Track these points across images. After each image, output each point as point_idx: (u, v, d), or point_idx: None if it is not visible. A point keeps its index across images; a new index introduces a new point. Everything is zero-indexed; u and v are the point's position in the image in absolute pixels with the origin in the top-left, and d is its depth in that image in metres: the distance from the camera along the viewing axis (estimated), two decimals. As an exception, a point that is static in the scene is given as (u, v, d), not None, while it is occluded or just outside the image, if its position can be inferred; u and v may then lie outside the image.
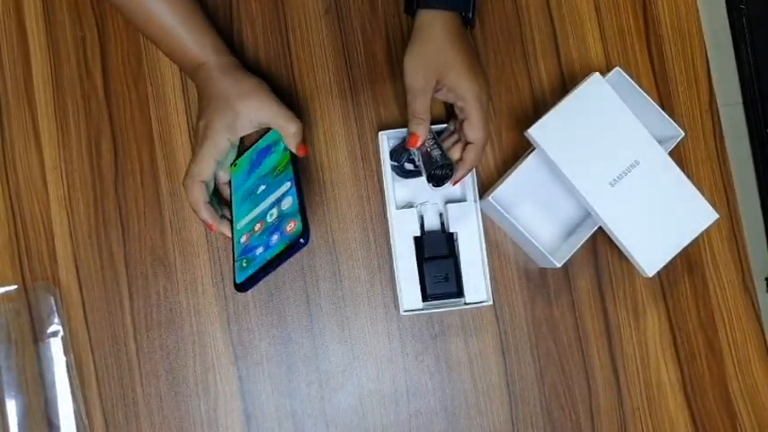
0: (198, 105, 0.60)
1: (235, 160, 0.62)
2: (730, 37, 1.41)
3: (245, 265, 0.51)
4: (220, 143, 0.57)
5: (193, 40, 0.58)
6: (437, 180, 0.58)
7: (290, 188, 0.53)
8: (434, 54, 0.56)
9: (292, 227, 0.50)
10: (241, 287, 0.50)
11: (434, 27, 0.56)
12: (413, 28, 0.57)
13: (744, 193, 1.37)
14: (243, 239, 0.54)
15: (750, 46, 1.39)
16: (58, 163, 0.64)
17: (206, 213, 0.57)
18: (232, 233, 0.56)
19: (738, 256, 0.66)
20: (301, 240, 0.48)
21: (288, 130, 0.57)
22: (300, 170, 0.59)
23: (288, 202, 0.52)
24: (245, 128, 0.58)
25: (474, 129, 0.56)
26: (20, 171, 0.64)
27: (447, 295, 0.61)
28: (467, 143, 0.57)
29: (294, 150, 0.57)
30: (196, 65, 0.58)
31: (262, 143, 0.62)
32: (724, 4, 1.41)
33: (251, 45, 0.66)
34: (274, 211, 0.53)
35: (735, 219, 0.66)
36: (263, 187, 0.57)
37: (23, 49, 0.65)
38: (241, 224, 0.56)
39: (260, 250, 0.51)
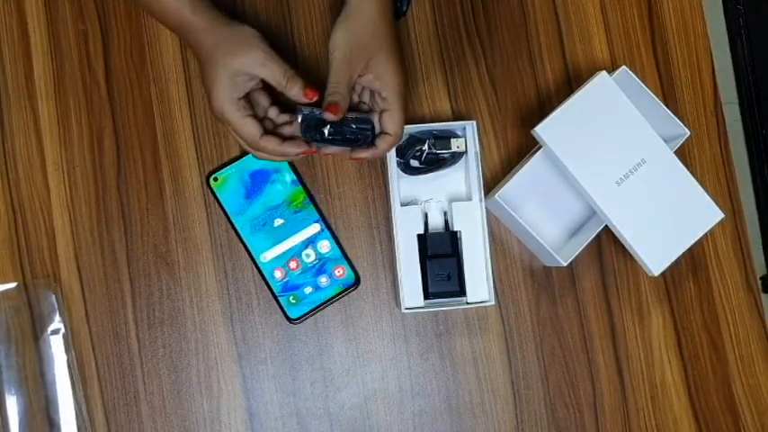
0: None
1: (216, 174, 0.62)
2: (727, 37, 1.41)
3: (292, 301, 0.61)
4: (234, 95, 0.54)
5: (192, 4, 0.55)
6: (360, 137, 0.56)
7: (323, 231, 0.62)
8: (370, 37, 0.54)
9: (341, 273, 0.62)
10: (295, 321, 0.62)
11: (371, 7, 0.54)
12: (344, 2, 0.55)
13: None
14: (277, 275, 0.62)
15: (747, 46, 1.40)
16: (60, 159, 0.64)
17: (287, 147, 0.55)
18: (255, 263, 0.62)
19: (742, 255, 0.66)
20: (353, 286, 0.62)
21: (292, 90, 0.54)
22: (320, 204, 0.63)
23: (325, 246, 0.62)
24: (245, 84, 0.55)
25: (394, 122, 0.55)
26: (20, 167, 0.63)
27: (449, 294, 0.61)
28: (381, 133, 0.56)
29: (303, 99, 0.55)
30: (181, 26, 0.56)
31: (253, 164, 0.63)
32: (721, 5, 1.42)
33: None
34: (311, 252, 0.62)
35: (738, 218, 0.66)
36: (280, 221, 0.61)
37: (24, 43, 0.65)
38: (265, 257, 0.62)
39: (309, 290, 0.62)
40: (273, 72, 0.54)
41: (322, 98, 0.54)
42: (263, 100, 0.57)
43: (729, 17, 1.42)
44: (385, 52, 0.55)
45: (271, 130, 0.57)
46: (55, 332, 0.61)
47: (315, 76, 0.66)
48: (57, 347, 0.61)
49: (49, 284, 0.62)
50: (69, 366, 0.61)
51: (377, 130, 0.57)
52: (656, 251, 0.58)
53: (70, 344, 0.61)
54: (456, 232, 0.62)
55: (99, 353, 0.62)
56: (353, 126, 0.55)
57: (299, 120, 0.55)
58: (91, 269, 0.63)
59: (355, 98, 0.58)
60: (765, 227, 1.37)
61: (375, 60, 0.55)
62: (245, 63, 0.54)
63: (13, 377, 0.61)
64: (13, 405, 0.60)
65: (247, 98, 0.56)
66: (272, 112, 0.57)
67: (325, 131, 0.54)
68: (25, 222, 0.63)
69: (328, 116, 0.54)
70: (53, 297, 0.62)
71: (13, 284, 0.62)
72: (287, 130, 0.57)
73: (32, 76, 0.64)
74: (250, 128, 0.54)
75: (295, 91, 0.55)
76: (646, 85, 0.62)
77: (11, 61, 0.64)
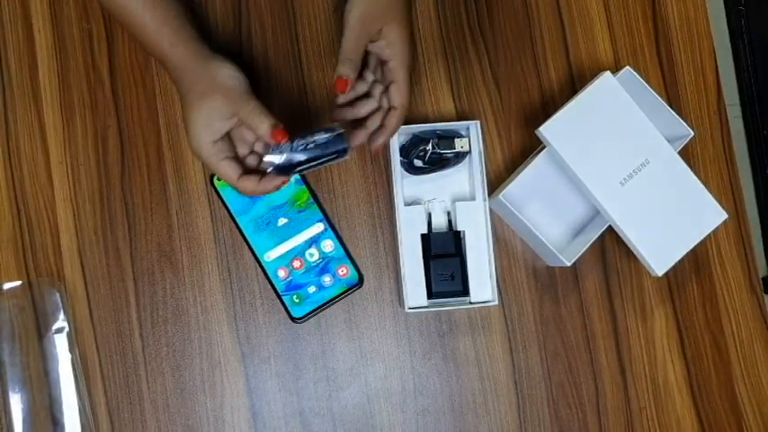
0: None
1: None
2: (728, 38, 1.41)
3: (296, 300, 0.61)
4: (209, 139, 0.53)
5: (155, 28, 0.53)
6: (336, 152, 0.54)
7: (326, 230, 0.62)
8: (386, 4, 0.54)
9: (345, 272, 0.62)
10: (298, 320, 0.61)
11: None
12: None
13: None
14: (281, 274, 0.61)
15: (748, 47, 1.40)
16: (64, 158, 0.64)
17: (265, 184, 0.53)
18: (259, 262, 0.62)
19: (745, 256, 0.66)
20: (357, 286, 0.62)
21: (258, 130, 0.52)
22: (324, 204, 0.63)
23: (329, 245, 0.62)
24: (220, 125, 0.53)
25: (401, 93, 0.55)
26: (25, 166, 0.63)
27: (452, 294, 0.61)
28: (390, 108, 0.56)
29: (270, 140, 0.53)
30: (162, 60, 0.55)
31: None
32: (723, 6, 1.42)
33: (259, 41, 0.66)
34: (314, 252, 0.62)
35: (741, 219, 0.66)
36: (283, 220, 0.61)
37: (29, 42, 0.65)
38: (269, 256, 0.62)
39: (312, 289, 0.61)
40: (243, 113, 0.53)
41: (291, 138, 0.53)
42: (247, 135, 0.55)
43: (731, 18, 1.42)
44: (399, 21, 0.55)
45: (255, 166, 0.55)
46: (59, 331, 0.61)
47: (320, 79, 0.66)
48: (61, 346, 0.61)
49: (53, 283, 0.62)
50: (73, 365, 0.61)
51: (385, 104, 0.56)
52: (659, 251, 0.58)
53: (74, 342, 0.61)
54: (459, 232, 0.62)
55: (103, 351, 0.62)
56: (316, 143, 0.53)
57: (267, 171, 0.54)
58: (95, 268, 0.63)
59: (369, 77, 0.57)
60: (766, 228, 1.37)
61: (388, 28, 0.54)
62: (216, 107, 0.53)
63: (17, 375, 0.61)
64: (17, 403, 0.60)
65: (226, 138, 0.54)
66: (259, 146, 0.55)
67: (297, 167, 0.54)
68: (29, 221, 0.63)
69: (338, 90, 0.53)
70: (57, 295, 0.62)
71: (18, 283, 0.62)
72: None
73: (37, 75, 0.64)
74: (227, 170, 0.54)
75: (263, 130, 0.52)
76: (649, 86, 0.62)
77: (16, 60, 0.65)
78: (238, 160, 0.55)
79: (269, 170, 0.54)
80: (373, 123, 0.56)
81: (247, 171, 0.54)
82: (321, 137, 0.53)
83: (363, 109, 0.56)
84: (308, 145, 0.53)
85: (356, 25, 0.53)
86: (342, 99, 0.56)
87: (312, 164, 0.53)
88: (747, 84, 1.40)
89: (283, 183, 0.54)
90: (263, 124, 0.52)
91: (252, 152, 0.56)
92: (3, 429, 0.60)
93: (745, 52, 1.40)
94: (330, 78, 0.66)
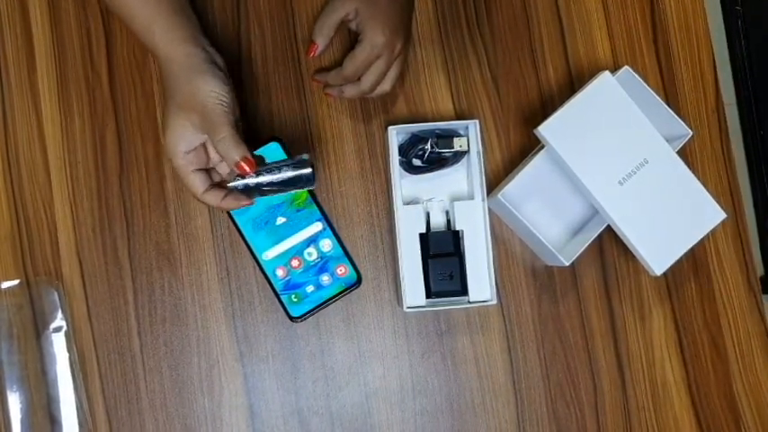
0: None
1: None
2: (725, 38, 1.41)
3: (294, 299, 0.60)
4: (182, 148, 0.52)
5: (162, 28, 0.52)
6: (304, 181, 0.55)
7: (325, 230, 0.61)
8: None
9: (343, 271, 0.60)
10: (297, 319, 0.60)
11: None
12: None
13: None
14: (279, 273, 0.60)
15: (745, 47, 1.40)
16: (62, 156, 0.64)
17: (228, 202, 0.53)
18: (257, 261, 0.61)
19: (743, 255, 0.66)
20: (355, 285, 0.60)
21: (226, 159, 0.51)
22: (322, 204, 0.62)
23: (327, 245, 0.60)
24: (194, 138, 0.52)
25: (349, 63, 0.58)
26: (23, 164, 0.63)
27: (451, 293, 0.61)
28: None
29: (234, 169, 0.52)
30: (153, 53, 0.54)
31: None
32: (719, 5, 1.42)
33: (258, 41, 0.66)
34: (313, 251, 0.60)
35: (740, 218, 0.66)
36: (282, 219, 0.60)
37: (27, 40, 0.65)
38: (267, 255, 0.60)
39: (310, 288, 0.60)
40: (215, 138, 0.51)
41: (258, 168, 0.53)
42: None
43: (728, 18, 1.42)
44: (374, 4, 0.57)
45: (222, 178, 0.55)
46: (57, 329, 0.61)
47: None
48: (58, 345, 0.61)
49: (51, 281, 0.62)
50: (71, 364, 0.61)
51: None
52: (658, 251, 0.58)
53: (72, 341, 0.61)
54: (458, 231, 0.62)
55: (101, 350, 0.62)
56: (282, 177, 0.54)
57: (232, 190, 0.54)
58: (93, 266, 0.63)
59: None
60: (763, 227, 1.37)
61: (362, 8, 0.57)
62: (191, 123, 0.52)
63: (14, 374, 0.60)
64: (14, 402, 0.60)
65: (200, 149, 0.53)
66: (223, 167, 0.55)
67: (260, 192, 0.54)
68: (27, 219, 0.63)
69: (308, 54, 0.61)
70: (55, 294, 0.62)
71: (16, 281, 0.62)
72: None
73: (35, 73, 0.64)
74: (194, 182, 0.53)
75: (230, 161, 0.51)
76: (648, 85, 0.62)
77: (14, 58, 0.64)
78: (207, 172, 0.54)
79: (234, 188, 0.54)
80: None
81: (214, 184, 0.55)
82: (286, 170, 0.54)
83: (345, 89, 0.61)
84: (273, 179, 0.54)
85: (338, 5, 0.58)
86: (319, 77, 0.63)
87: (275, 188, 0.54)
88: (744, 84, 1.40)
89: (246, 203, 0.55)
90: (233, 155, 0.51)
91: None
92: (1, 428, 0.60)
93: (741, 52, 1.40)
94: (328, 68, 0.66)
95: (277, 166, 0.54)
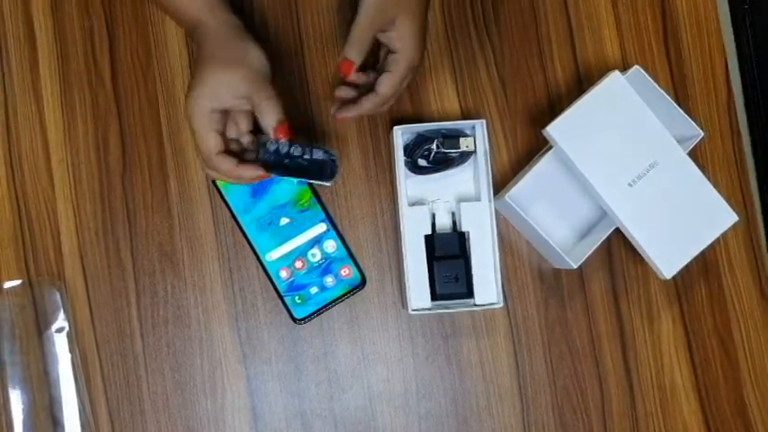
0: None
1: None
2: (733, 37, 1.40)
3: (298, 301, 0.61)
4: (210, 105, 0.52)
5: None
6: (326, 174, 0.54)
7: (329, 231, 0.61)
8: None
9: (348, 273, 0.61)
10: (300, 321, 0.61)
11: None
12: None
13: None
14: (283, 274, 0.61)
15: (753, 46, 1.38)
16: (65, 157, 0.63)
17: (242, 170, 0.52)
18: (260, 262, 0.61)
19: (755, 259, 0.65)
20: (359, 287, 0.61)
21: (266, 118, 0.52)
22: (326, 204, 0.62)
23: (331, 246, 0.61)
24: (228, 99, 0.52)
25: (390, 83, 0.54)
26: (26, 165, 0.63)
27: (456, 296, 0.60)
28: (370, 92, 0.55)
29: (271, 133, 0.52)
30: (193, 23, 0.54)
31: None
32: (727, 4, 1.40)
33: (261, 40, 0.65)
34: (317, 252, 0.61)
35: (752, 221, 0.65)
36: (285, 220, 0.60)
37: (30, 40, 0.64)
38: (271, 256, 0.61)
39: (314, 290, 0.61)
40: (258, 97, 0.52)
41: (291, 140, 0.53)
42: (243, 123, 0.54)
43: (735, 17, 1.40)
44: (415, 15, 0.53)
45: (232, 151, 0.54)
46: (59, 330, 0.61)
47: (322, 74, 0.65)
48: (61, 346, 0.61)
49: (53, 282, 0.62)
50: (73, 365, 0.61)
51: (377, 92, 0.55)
52: (668, 254, 0.57)
53: (74, 342, 0.61)
54: (464, 233, 0.61)
55: (103, 351, 0.61)
56: (311, 157, 0.54)
57: (258, 143, 0.53)
58: (95, 267, 0.62)
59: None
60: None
61: (402, 19, 0.53)
62: (233, 81, 0.51)
63: (17, 375, 0.60)
64: (17, 402, 0.60)
65: (223, 113, 0.53)
66: (246, 138, 0.54)
67: (284, 160, 0.53)
68: (30, 220, 0.62)
69: (342, 71, 0.53)
70: (57, 295, 0.61)
71: (18, 282, 0.62)
72: (249, 157, 0.55)
73: (38, 73, 0.64)
74: (209, 141, 0.52)
75: (270, 120, 0.52)
76: (659, 85, 0.61)
77: (17, 58, 0.64)
78: (224, 139, 0.53)
79: (262, 159, 0.53)
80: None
81: (229, 152, 0.53)
82: (317, 152, 0.54)
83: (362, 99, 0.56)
84: (303, 154, 0.53)
85: (371, 9, 0.52)
86: (344, 93, 0.56)
87: (295, 172, 0.53)
88: (752, 84, 1.39)
89: (260, 177, 0.53)
90: (274, 115, 0.52)
91: (235, 139, 0.55)
92: (3, 428, 0.60)
93: (749, 52, 1.38)
94: (332, 68, 0.65)
95: (309, 146, 0.54)
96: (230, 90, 0.52)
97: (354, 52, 0.53)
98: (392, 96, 0.56)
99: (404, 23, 0.53)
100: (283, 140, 0.52)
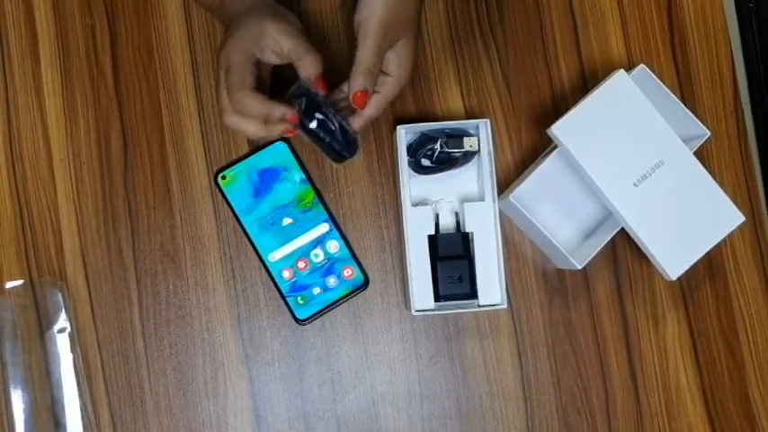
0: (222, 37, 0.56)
1: (223, 172, 0.61)
2: (739, 37, 1.39)
3: (300, 301, 0.60)
4: (252, 51, 0.52)
5: None
6: (342, 151, 0.54)
7: (332, 231, 0.61)
8: (407, 13, 0.51)
9: (350, 273, 0.61)
10: (303, 322, 0.61)
11: None
12: None
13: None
14: (285, 275, 0.60)
15: (759, 45, 1.37)
16: (67, 156, 0.63)
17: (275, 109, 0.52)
18: (263, 263, 0.61)
19: (761, 260, 0.64)
20: (362, 287, 0.61)
21: (308, 70, 0.51)
22: (330, 204, 0.62)
23: (334, 246, 0.61)
24: (267, 52, 0.52)
25: (377, 107, 0.53)
26: (27, 163, 0.63)
27: (460, 296, 0.60)
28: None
29: (311, 84, 0.52)
30: None
31: (262, 161, 0.62)
32: (733, 3, 1.39)
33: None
34: (319, 253, 0.61)
35: (758, 222, 0.65)
36: (288, 220, 0.60)
37: (31, 37, 0.64)
38: (273, 256, 0.61)
39: (317, 290, 0.61)
40: (295, 42, 0.51)
41: (327, 96, 0.53)
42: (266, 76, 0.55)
43: (741, 16, 1.39)
44: (412, 37, 0.53)
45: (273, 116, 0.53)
46: (61, 330, 0.61)
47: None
48: (62, 346, 0.61)
49: (55, 282, 0.61)
50: (75, 365, 0.60)
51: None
52: (674, 255, 0.56)
53: (76, 342, 0.61)
54: (468, 233, 0.61)
55: (105, 352, 0.61)
56: (341, 123, 0.53)
57: (296, 91, 0.52)
58: (97, 267, 0.62)
59: None
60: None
61: (404, 43, 0.52)
62: (275, 33, 0.51)
63: (18, 375, 0.60)
64: (18, 403, 0.60)
65: (255, 68, 0.53)
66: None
67: (316, 113, 0.52)
68: (32, 219, 0.62)
69: (358, 104, 0.51)
70: (59, 295, 0.61)
71: (20, 282, 0.61)
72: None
73: (39, 71, 0.64)
74: (246, 75, 0.51)
75: (312, 70, 0.51)
76: (664, 84, 0.60)
77: (18, 56, 0.64)
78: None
79: (294, 97, 0.53)
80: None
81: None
82: (346, 124, 0.54)
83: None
84: (335, 117, 0.53)
85: (378, 33, 0.49)
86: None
87: (323, 129, 0.53)
88: (758, 83, 1.38)
89: (289, 120, 0.52)
90: (317, 66, 0.51)
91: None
92: (5, 429, 0.60)
93: (755, 51, 1.38)
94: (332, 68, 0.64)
95: (342, 117, 0.54)
96: (271, 42, 0.52)
97: (368, 82, 0.50)
98: (377, 115, 0.55)
99: (405, 47, 0.53)
100: (322, 92, 0.52)
